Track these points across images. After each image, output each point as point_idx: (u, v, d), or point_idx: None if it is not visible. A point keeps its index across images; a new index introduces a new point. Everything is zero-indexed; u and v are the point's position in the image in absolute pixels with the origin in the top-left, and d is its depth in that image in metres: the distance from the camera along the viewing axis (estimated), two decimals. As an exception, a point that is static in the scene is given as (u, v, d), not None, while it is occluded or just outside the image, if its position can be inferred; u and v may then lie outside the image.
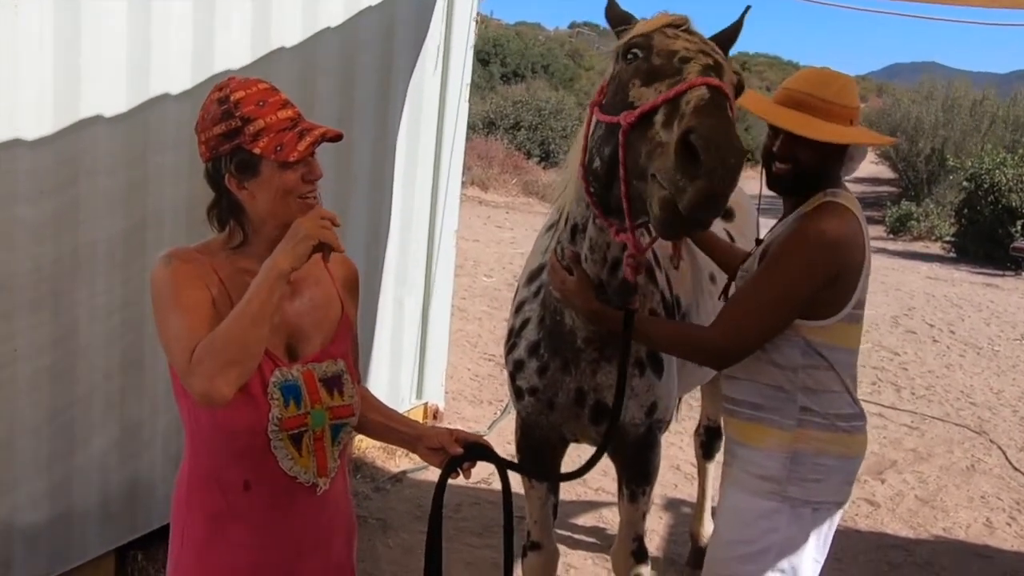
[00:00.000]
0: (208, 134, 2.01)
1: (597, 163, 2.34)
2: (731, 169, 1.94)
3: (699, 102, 2.01)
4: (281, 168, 1.97)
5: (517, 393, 3.04)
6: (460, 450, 2.25)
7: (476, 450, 2.29)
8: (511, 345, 3.03)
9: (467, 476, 2.29)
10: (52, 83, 3.26)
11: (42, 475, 3.48)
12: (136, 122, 3.57)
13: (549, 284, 2.79)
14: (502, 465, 2.39)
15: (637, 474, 3.16)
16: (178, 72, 3.71)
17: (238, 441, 2.03)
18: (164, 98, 3.66)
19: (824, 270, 2.49)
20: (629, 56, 2.24)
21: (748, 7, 2.54)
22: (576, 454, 3.30)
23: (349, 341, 2.24)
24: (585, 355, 2.83)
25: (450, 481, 2.29)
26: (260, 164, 1.97)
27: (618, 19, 2.42)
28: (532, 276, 3.00)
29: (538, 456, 3.20)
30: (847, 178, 2.70)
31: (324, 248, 1.93)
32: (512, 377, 3.04)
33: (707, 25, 2.38)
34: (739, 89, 2.29)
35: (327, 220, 1.93)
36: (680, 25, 2.26)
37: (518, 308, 3.03)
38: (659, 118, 2.08)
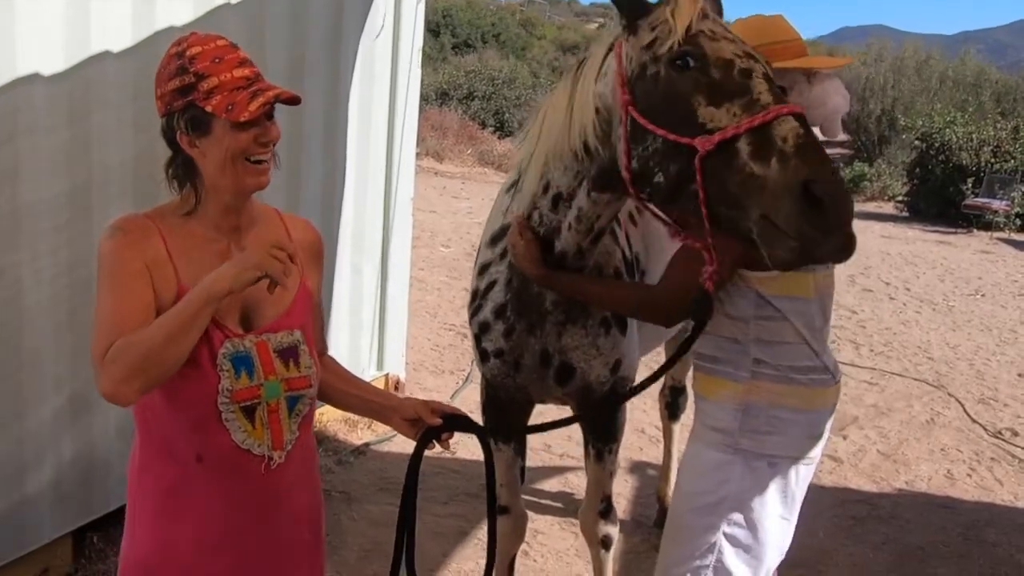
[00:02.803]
0: (163, 88, 1.94)
1: (660, 179, 2.18)
2: (852, 212, 1.95)
3: (797, 140, 1.94)
4: (233, 128, 1.89)
5: (482, 355, 3.00)
6: (438, 421, 2.21)
7: (455, 420, 2.24)
8: (476, 307, 2.98)
9: (446, 448, 2.26)
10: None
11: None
12: (77, 80, 3.44)
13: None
14: (483, 432, 2.36)
15: (603, 432, 3.14)
16: (119, 29, 3.58)
17: (188, 413, 1.96)
18: (105, 55, 3.53)
19: None
20: (679, 63, 2.11)
21: None
22: (540, 417, 3.27)
23: (308, 311, 2.16)
24: (552, 317, 2.80)
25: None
26: (212, 122, 1.90)
27: (633, 6, 2.26)
28: (495, 238, 2.94)
29: (504, 417, 3.17)
30: (835, 137, 2.65)
31: (270, 280, 1.85)
32: (477, 339, 2.99)
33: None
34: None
35: (280, 252, 1.85)
36: (708, 15, 2.17)
37: (481, 270, 2.98)
38: (745, 147, 1.98)
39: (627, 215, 2.97)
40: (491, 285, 2.92)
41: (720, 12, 2.35)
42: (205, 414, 1.96)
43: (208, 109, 1.88)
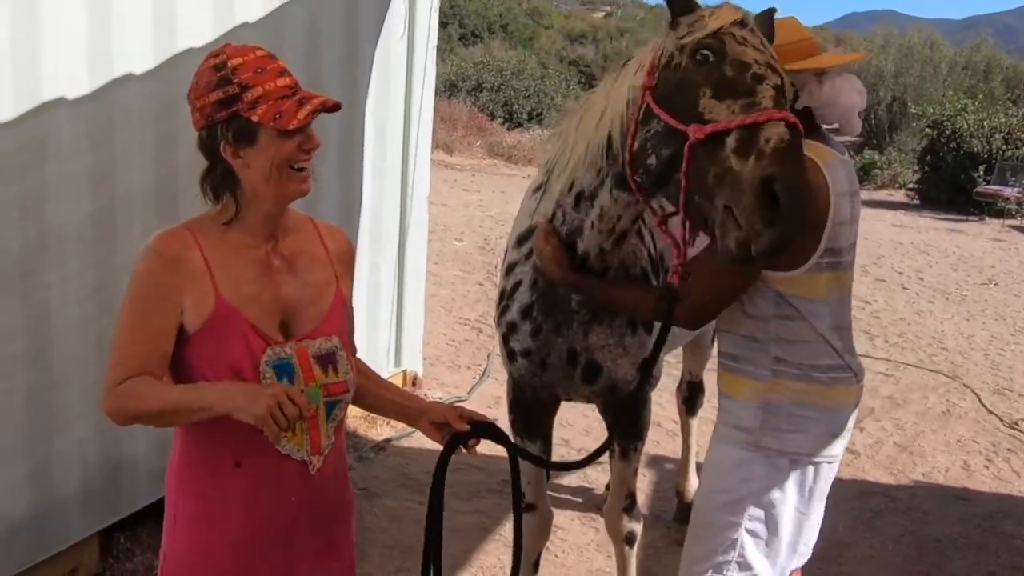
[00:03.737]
0: (203, 101, 1.95)
1: (652, 161, 2.28)
2: (802, 218, 2.01)
3: (779, 143, 1.99)
4: (279, 136, 1.92)
5: (510, 355, 3.04)
6: (467, 426, 2.24)
7: (483, 428, 2.27)
8: (503, 308, 3.01)
9: (472, 453, 2.28)
10: (12, 66, 3.16)
11: (21, 462, 3.41)
12: (100, 103, 3.47)
13: None
14: (510, 445, 2.38)
15: (629, 431, 3.17)
16: (140, 51, 3.60)
17: (230, 420, 1.98)
18: (128, 78, 3.55)
19: None
20: (699, 56, 2.17)
21: (774, 9, 2.50)
22: (564, 414, 3.30)
23: (344, 317, 2.19)
24: (578, 316, 2.84)
25: (434, 447, 2.27)
26: (258, 132, 1.92)
27: (683, 13, 2.32)
28: (521, 239, 2.98)
29: (530, 416, 3.21)
30: (849, 137, 2.65)
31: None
32: (505, 339, 3.03)
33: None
34: (794, 100, 2.26)
35: (291, 407, 1.84)
36: (747, 25, 2.21)
37: (508, 271, 3.01)
38: (731, 142, 2.04)
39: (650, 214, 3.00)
40: (517, 285, 2.95)
41: (770, 37, 2.38)
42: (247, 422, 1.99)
43: (254, 119, 1.90)
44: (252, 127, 1.91)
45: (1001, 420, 6.51)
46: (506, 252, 3.11)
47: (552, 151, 2.81)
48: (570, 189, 2.63)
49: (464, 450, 2.27)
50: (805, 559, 2.82)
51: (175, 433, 2.10)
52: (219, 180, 1.99)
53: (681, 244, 2.37)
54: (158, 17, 3.67)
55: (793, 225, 1.98)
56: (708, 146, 2.08)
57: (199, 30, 3.84)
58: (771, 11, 2.52)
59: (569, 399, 3.22)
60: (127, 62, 3.56)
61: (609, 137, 2.43)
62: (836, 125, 2.64)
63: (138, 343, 1.95)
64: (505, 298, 3.01)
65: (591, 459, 2.62)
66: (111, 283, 3.53)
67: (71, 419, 3.56)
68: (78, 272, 3.51)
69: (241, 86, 1.91)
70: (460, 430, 2.24)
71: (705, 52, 2.16)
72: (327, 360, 2.08)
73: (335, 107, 1.99)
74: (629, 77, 2.40)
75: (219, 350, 1.96)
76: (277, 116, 1.90)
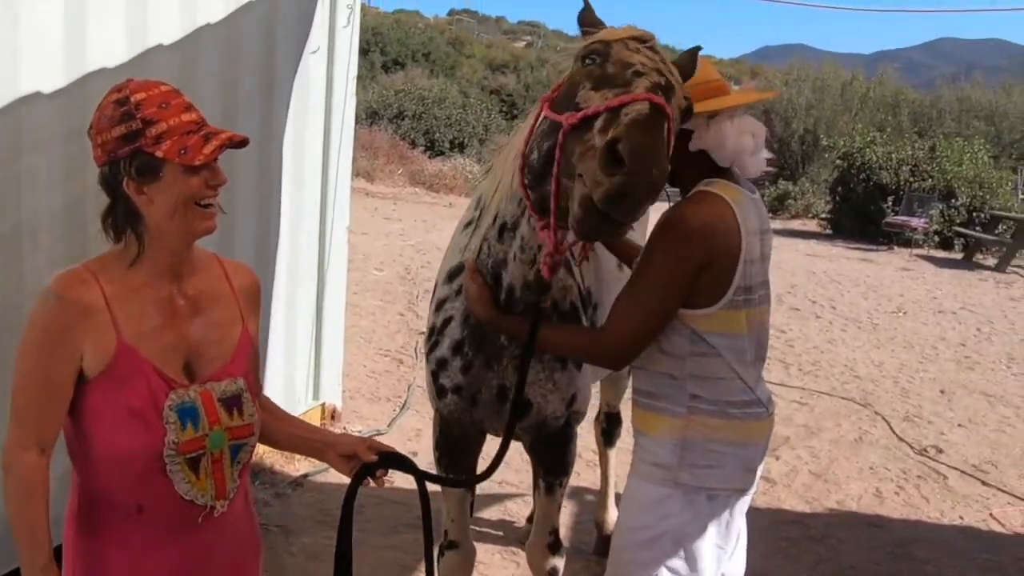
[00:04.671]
0: (105, 136, 1.90)
1: (535, 156, 2.36)
2: (651, 179, 1.96)
3: (637, 116, 2.02)
4: (184, 172, 1.89)
5: (439, 392, 3.00)
6: (374, 457, 2.23)
7: (391, 459, 2.26)
8: (433, 343, 2.98)
9: (380, 485, 2.27)
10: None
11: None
12: (6, 122, 3.37)
13: None
14: (419, 475, 2.36)
15: (555, 466, 3.16)
16: (50, 70, 3.51)
17: (131, 466, 1.94)
18: (36, 97, 3.46)
19: (690, 254, 2.47)
20: (587, 60, 2.24)
21: (699, 47, 2.58)
22: (488, 448, 3.28)
23: (249, 357, 2.15)
24: (508, 351, 2.82)
25: None
26: (163, 168, 1.88)
27: (589, 24, 2.41)
28: (452, 274, 2.96)
29: (458, 452, 3.17)
30: (751, 176, 2.67)
31: None
32: (435, 376, 2.99)
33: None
34: (687, 113, 2.32)
35: None
36: (645, 41, 2.26)
37: (439, 306, 2.99)
38: (599, 124, 2.09)
39: (579, 249, 3.00)
40: (448, 321, 2.93)
41: (689, 71, 2.45)
42: (149, 467, 1.94)
43: (159, 155, 1.87)
44: (156, 163, 1.88)
45: (911, 447, 6.67)
46: (436, 287, 3.09)
47: (483, 186, 2.82)
48: (494, 221, 2.64)
49: (372, 482, 2.25)
50: None
51: (72, 480, 2.04)
52: (121, 217, 1.95)
53: (553, 235, 2.39)
54: (70, 41, 3.57)
55: (636, 177, 1.96)
56: (578, 130, 2.14)
57: (112, 51, 3.76)
58: (695, 49, 2.57)
59: (496, 434, 3.17)
60: (35, 79, 3.46)
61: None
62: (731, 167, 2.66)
63: (36, 392, 1.91)
64: (435, 334, 2.97)
65: (492, 469, 2.65)
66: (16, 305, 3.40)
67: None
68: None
69: (145, 121, 1.87)
70: (368, 460, 2.22)
71: (592, 56, 2.24)
72: (232, 403, 2.05)
73: (243, 143, 1.97)
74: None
75: (120, 394, 1.91)
76: (183, 151, 1.87)
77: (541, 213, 2.41)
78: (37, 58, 3.46)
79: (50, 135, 3.50)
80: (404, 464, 2.30)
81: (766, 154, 2.70)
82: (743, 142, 2.59)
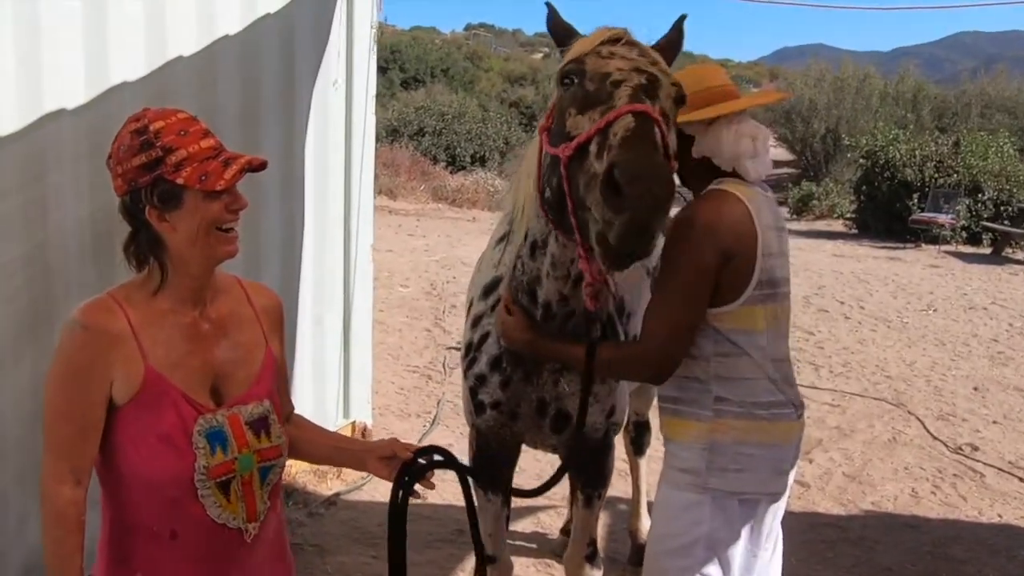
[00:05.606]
0: (125, 166, 1.92)
1: (548, 193, 2.33)
2: (656, 198, 1.93)
3: (625, 133, 2.01)
4: (205, 198, 1.91)
5: (478, 407, 2.98)
6: (409, 455, 2.26)
7: (428, 451, 2.31)
8: (471, 360, 2.97)
9: (429, 486, 2.29)
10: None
11: None
12: (31, 140, 3.42)
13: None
14: (457, 466, 2.40)
15: (594, 478, 3.15)
16: (72, 86, 3.57)
17: (164, 492, 1.96)
18: (60, 114, 3.51)
19: (712, 246, 2.46)
20: (565, 82, 2.22)
21: (684, 15, 2.53)
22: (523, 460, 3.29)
23: (275, 378, 2.17)
24: (548, 366, 2.81)
25: (387, 499, 2.29)
26: (183, 195, 1.90)
27: (561, 33, 2.39)
28: (488, 290, 2.96)
29: (495, 467, 3.15)
30: (752, 180, 2.66)
31: None
32: (473, 392, 2.98)
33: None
34: (680, 100, 2.28)
35: None
36: (618, 40, 2.24)
37: (475, 322, 2.99)
38: (593, 148, 2.07)
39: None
40: (484, 337, 2.92)
41: (679, 45, 2.43)
42: (182, 492, 1.96)
43: (179, 182, 1.89)
44: (177, 189, 1.90)
45: (946, 446, 6.61)
46: (471, 303, 3.08)
47: (508, 200, 2.82)
48: (525, 238, 2.63)
49: (418, 486, 2.28)
50: None
51: (101, 510, 2.06)
52: (144, 245, 1.97)
53: (588, 265, 2.33)
54: (90, 57, 3.63)
55: (641, 205, 1.93)
56: (577, 160, 2.12)
57: (132, 66, 3.81)
58: (680, 19, 2.53)
59: (535, 447, 3.19)
60: (59, 97, 3.51)
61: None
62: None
63: (68, 422, 1.93)
64: (472, 350, 2.97)
65: (549, 486, 2.63)
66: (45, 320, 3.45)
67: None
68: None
69: (164, 149, 1.89)
70: (405, 457, 2.26)
71: (569, 78, 2.22)
72: (259, 425, 2.07)
73: (261, 166, 1.98)
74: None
75: (149, 421, 1.93)
76: (203, 177, 1.88)
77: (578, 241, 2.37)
78: (58, 76, 3.51)
79: (75, 152, 3.55)
80: (444, 455, 2.34)
81: (771, 156, 2.70)
82: (742, 146, 2.58)
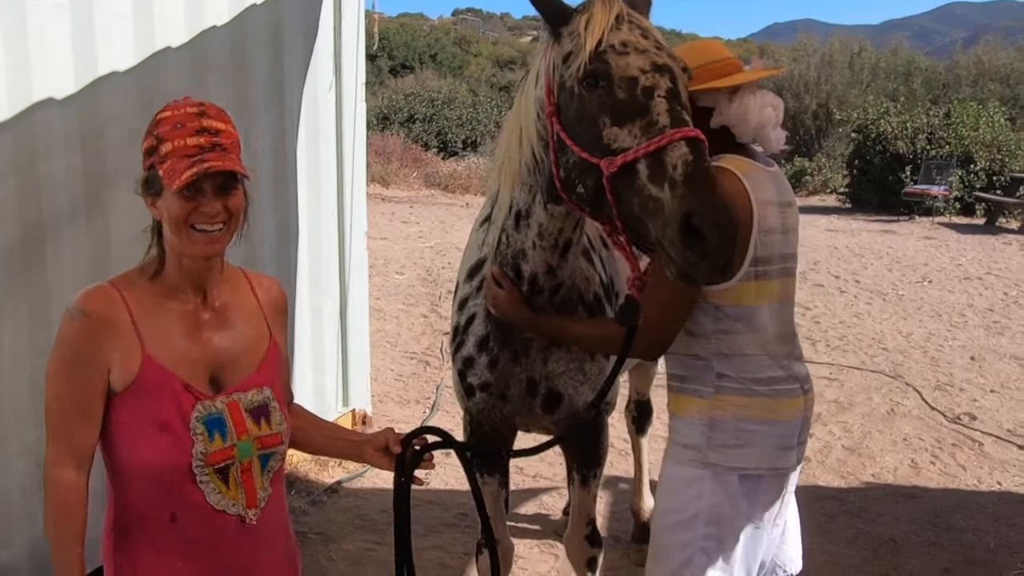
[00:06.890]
0: (142, 146, 1.99)
1: (581, 190, 2.28)
2: (734, 240, 2.00)
3: (686, 168, 2.01)
4: (174, 195, 1.92)
5: (468, 390, 2.99)
6: (398, 448, 2.30)
7: (423, 430, 2.34)
8: (458, 343, 2.98)
9: (430, 467, 2.34)
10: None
11: None
12: (21, 127, 3.43)
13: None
14: (454, 443, 2.44)
15: (589, 458, 3.16)
16: (60, 75, 3.57)
17: (162, 478, 1.98)
18: (49, 102, 3.51)
19: None
20: (587, 83, 2.19)
21: None
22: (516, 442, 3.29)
23: (278, 368, 2.18)
24: (536, 343, 2.81)
25: (388, 486, 2.32)
26: (163, 186, 1.93)
27: (552, 10, 2.34)
28: (472, 272, 2.96)
29: (489, 450, 3.16)
30: (773, 150, 2.67)
31: None
32: (462, 375, 2.98)
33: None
34: (687, 74, 2.29)
35: None
36: (622, 19, 2.22)
37: (461, 305, 2.99)
38: (643, 169, 2.07)
39: (599, 239, 3.00)
40: (471, 319, 2.93)
41: (647, 8, 2.41)
42: (179, 478, 1.98)
43: (160, 173, 1.92)
44: (159, 179, 1.93)
45: (944, 416, 6.64)
46: (457, 286, 3.09)
47: (493, 181, 2.81)
48: (510, 209, 2.62)
49: (419, 471, 2.32)
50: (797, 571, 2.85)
51: (107, 496, 2.08)
52: (154, 224, 2.02)
53: (632, 259, 2.36)
54: (78, 47, 3.62)
55: (725, 249, 1.99)
56: (623, 177, 2.11)
57: (121, 56, 3.81)
58: None
59: (528, 430, 3.18)
60: (47, 85, 3.52)
61: (533, 155, 2.45)
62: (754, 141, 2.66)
63: (69, 408, 1.95)
64: (460, 333, 2.97)
65: (545, 447, 2.66)
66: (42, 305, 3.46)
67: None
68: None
69: (158, 138, 1.94)
70: (398, 448, 2.30)
71: (593, 78, 2.19)
72: (259, 412, 2.08)
73: (230, 173, 1.95)
74: (532, 91, 2.44)
75: (147, 407, 1.95)
76: (171, 174, 1.90)
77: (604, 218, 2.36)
78: (46, 66, 3.51)
79: (65, 140, 3.56)
80: (439, 435, 2.38)
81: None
82: (766, 115, 2.59)
